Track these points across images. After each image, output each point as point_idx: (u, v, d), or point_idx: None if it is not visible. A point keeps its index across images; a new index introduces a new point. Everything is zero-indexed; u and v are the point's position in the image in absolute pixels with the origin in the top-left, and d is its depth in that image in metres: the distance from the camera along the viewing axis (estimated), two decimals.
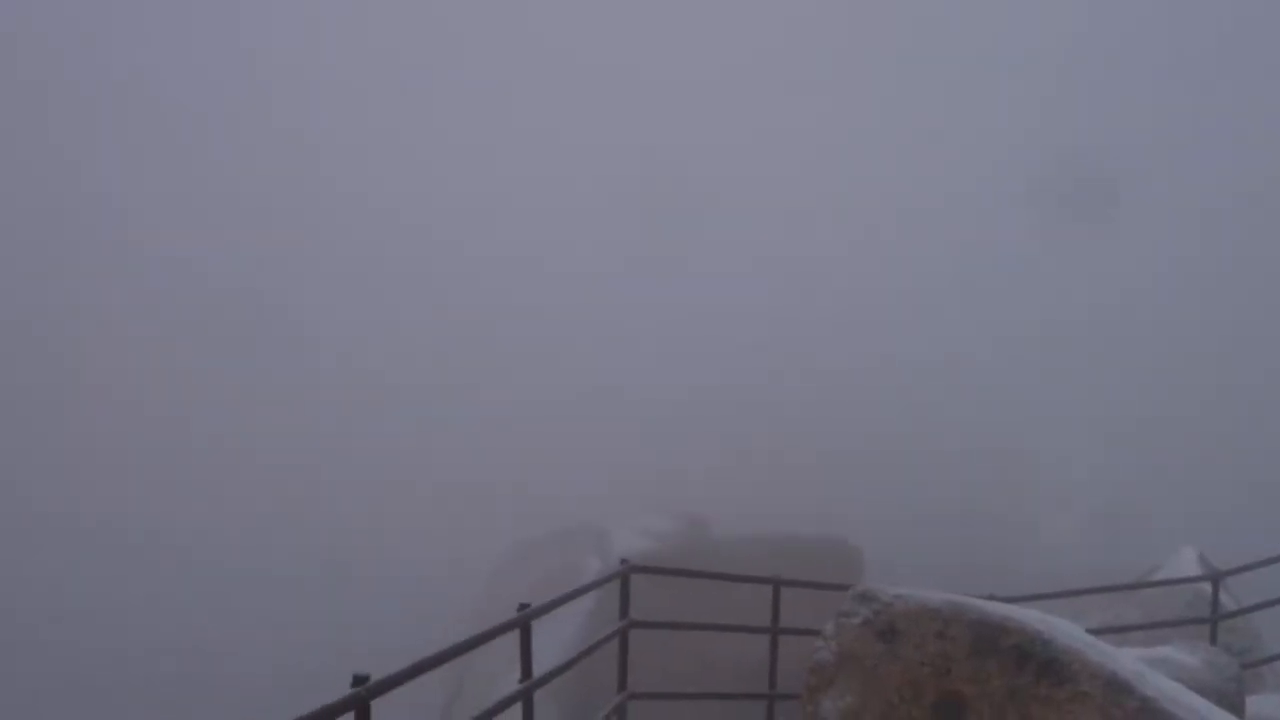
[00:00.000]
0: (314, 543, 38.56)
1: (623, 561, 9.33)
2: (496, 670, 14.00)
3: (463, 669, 17.98)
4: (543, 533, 25.52)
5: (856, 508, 27.49)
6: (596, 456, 37.65)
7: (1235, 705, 9.11)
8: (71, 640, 33.57)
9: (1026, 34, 59.49)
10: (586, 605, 13.06)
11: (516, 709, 7.28)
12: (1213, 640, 13.25)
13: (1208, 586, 14.21)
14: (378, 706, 5.39)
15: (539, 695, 7.58)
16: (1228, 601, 14.49)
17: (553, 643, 7.57)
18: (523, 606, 7.42)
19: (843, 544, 15.78)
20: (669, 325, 50.01)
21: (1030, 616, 7.04)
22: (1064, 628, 7.00)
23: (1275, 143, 52.05)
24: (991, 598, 8.03)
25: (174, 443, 46.22)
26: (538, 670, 7.59)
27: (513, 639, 7.46)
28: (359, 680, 5.28)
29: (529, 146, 62.66)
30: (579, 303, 52.86)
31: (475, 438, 43.05)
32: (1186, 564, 17.40)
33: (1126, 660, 6.92)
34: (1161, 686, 6.70)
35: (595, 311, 51.88)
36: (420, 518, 38.49)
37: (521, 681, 7.41)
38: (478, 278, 55.37)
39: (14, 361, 47.75)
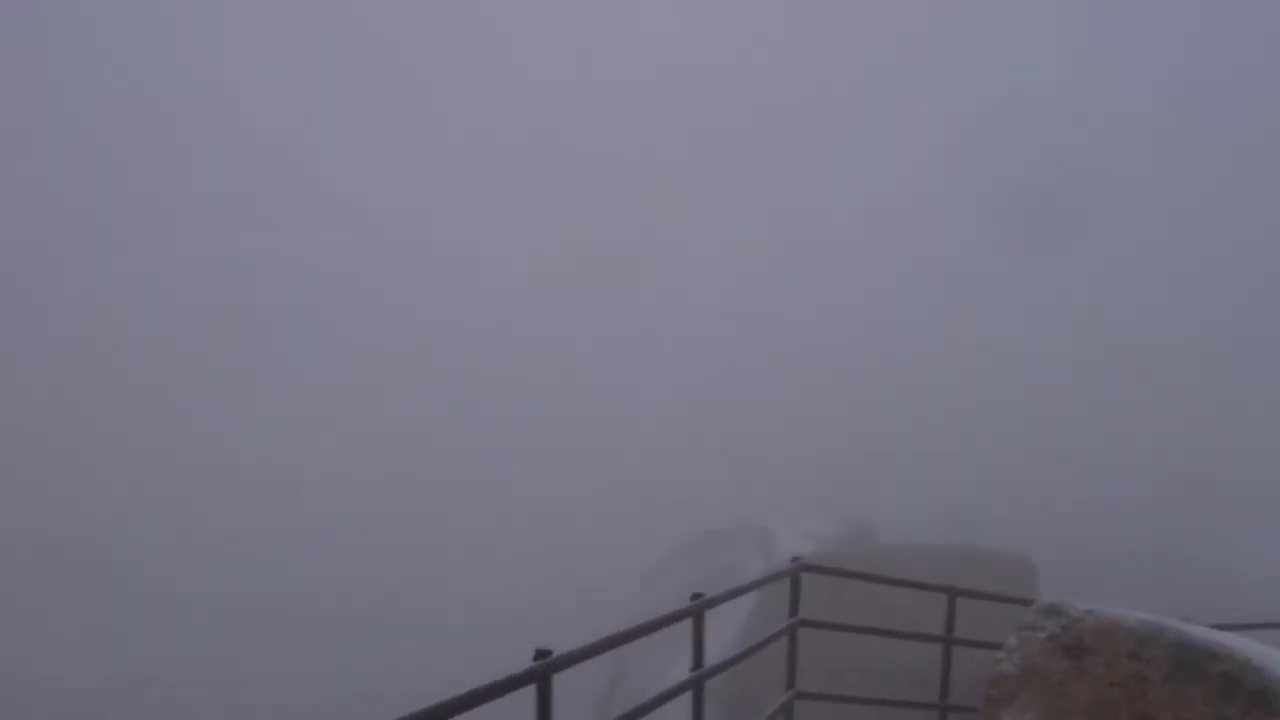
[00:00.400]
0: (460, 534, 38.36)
1: (794, 559, 9.06)
2: (654, 666, 13.68)
3: (617, 665, 17.71)
4: (704, 531, 25.07)
5: (1032, 522, 25.99)
6: (761, 457, 36.71)
7: None
8: (63, 661, 33.64)
9: (1014, 36, 58.16)
10: (748, 604, 12.71)
11: (672, 705, 7.02)
12: None
13: None
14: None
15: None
16: None
17: (712, 639, 7.25)
18: (696, 596, 7.18)
19: (1017, 558, 14.87)
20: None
21: (1238, 642, 6.55)
22: (1278, 657, 6.48)
23: (1251, 156, 49.89)
24: (1190, 621, 7.51)
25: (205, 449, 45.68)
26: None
27: (672, 635, 7.21)
28: (541, 654, 5.28)
29: (529, 151, 61.91)
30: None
31: (642, 436, 42.22)
32: None
33: None
34: None
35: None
36: (579, 515, 37.89)
37: (693, 670, 7.19)
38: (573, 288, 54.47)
39: None
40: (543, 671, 5.22)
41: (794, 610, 8.79)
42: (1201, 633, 6.66)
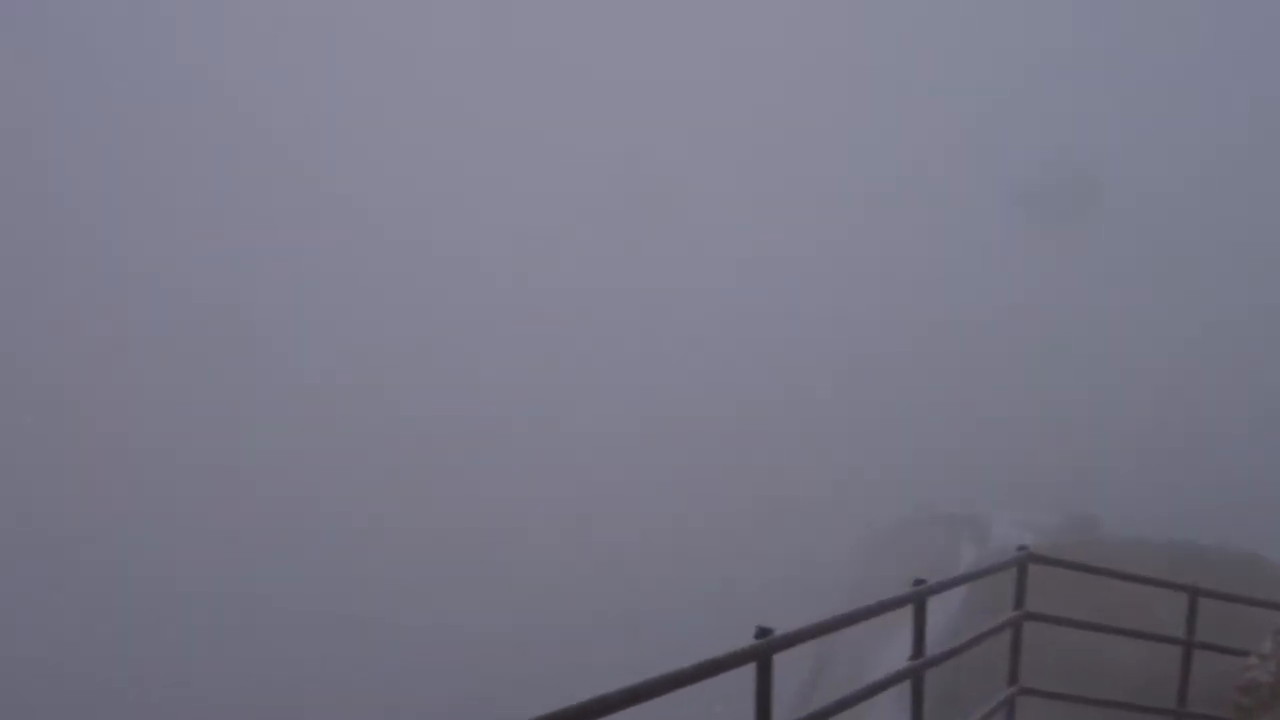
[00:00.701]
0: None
1: (1020, 548, 8.18)
2: (858, 654, 12.78)
3: (820, 651, 16.78)
4: (914, 517, 23.87)
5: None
6: (979, 444, 35.28)
7: None
8: (63, 660, 32.54)
9: (1012, 37, 57.64)
10: (958, 593, 11.74)
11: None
12: None
13: None
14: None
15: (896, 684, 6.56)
16: None
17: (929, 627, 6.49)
18: (918, 582, 6.51)
19: (1257, 560, 13.62)
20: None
21: None
22: None
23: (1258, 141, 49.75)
24: None
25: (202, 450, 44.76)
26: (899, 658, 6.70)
27: (876, 622, 6.45)
28: (762, 632, 5.09)
29: (529, 151, 61.19)
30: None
31: (860, 421, 40.77)
32: None
33: None
34: None
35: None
36: (795, 496, 36.45)
37: (912, 659, 6.59)
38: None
39: None
40: (764, 650, 5.05)
41: (1019, 602, 7.93)
42: None
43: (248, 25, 61.89)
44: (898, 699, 6.80)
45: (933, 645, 6.65)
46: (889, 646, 7.16)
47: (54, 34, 60.52)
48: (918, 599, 6.46)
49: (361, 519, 40.40)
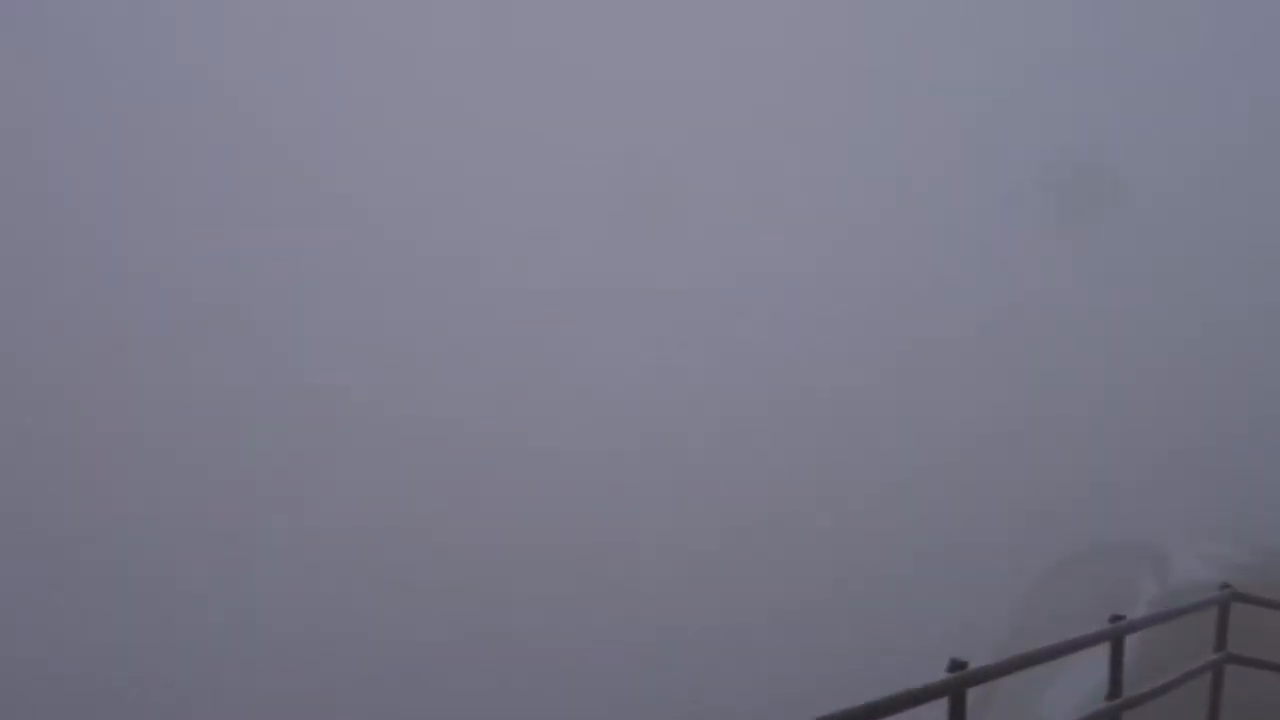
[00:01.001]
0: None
1: (1223, 586, 7.93)
2: (1024, 689, 12.40)
3: (986, 685, 16.23)
4: (1088, 547, 22.93)
5: None
6: (1158, 471, 34.20)
7: None
8: (63, 661, 32.74)
9: (1012, 37, 57.41)
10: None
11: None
12: None
13: None
14: None
15: None
16: None
17: (1093, 668, 6.27)
18: (1115, 618, 6.39)
19: None
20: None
21: None
22: None
23: (1258, 142, 49.66)
24: None
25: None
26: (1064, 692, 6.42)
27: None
28: (956, 665, 4.99)
29: (530, 150, 60.84)
30: None
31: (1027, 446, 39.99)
32: None
33: None
34: None
35: None
36: (962, 525, 35.64)
37: (1109, 699, 6.41)
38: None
39: None
40: (957, 684, 4.97)
41: (1221, 643, 7.67)
42: None
43: (248, 25, 61.45)
44: None
45: (1101, 684, 6.47)
46: (1056, 681, 6.98)
47: (54, 34, 60.16)
48: (1115, 636, 6.25)
49: (361, 519, 40.26)
